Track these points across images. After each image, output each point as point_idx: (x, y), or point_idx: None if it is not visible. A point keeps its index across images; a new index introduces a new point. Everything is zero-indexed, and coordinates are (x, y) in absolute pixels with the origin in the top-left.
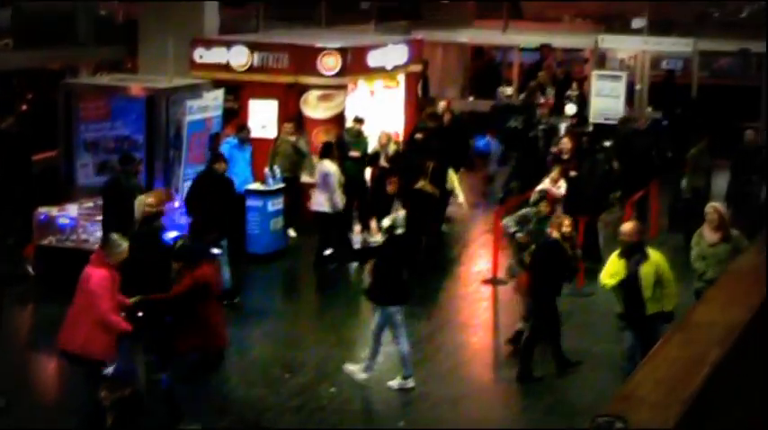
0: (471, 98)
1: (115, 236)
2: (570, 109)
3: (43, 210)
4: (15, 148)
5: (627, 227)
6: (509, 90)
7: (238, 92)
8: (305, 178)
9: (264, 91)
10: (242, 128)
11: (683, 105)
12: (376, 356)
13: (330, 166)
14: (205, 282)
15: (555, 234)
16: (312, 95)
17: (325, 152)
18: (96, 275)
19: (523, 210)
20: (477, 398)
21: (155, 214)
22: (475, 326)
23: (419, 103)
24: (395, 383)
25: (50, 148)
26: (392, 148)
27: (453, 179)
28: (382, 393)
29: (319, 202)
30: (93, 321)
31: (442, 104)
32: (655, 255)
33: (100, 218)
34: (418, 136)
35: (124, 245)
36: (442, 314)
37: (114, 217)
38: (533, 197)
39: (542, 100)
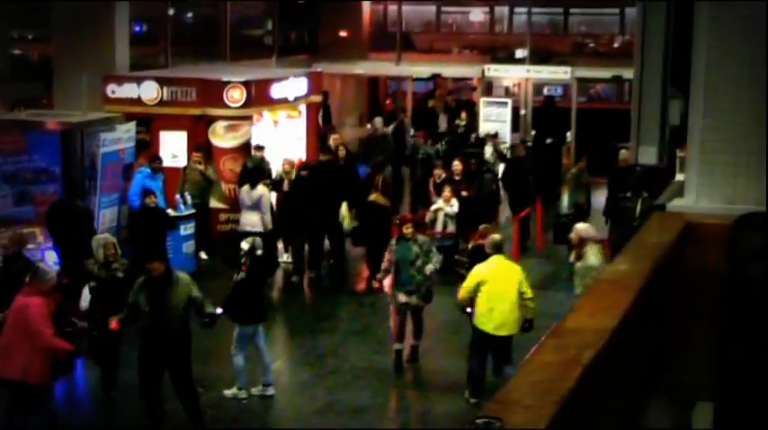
0: (369, 125)
1: (42, 265)
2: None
3: None
4: None
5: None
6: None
7: (149, 124)
8: (213, 203)
9: (174, 123)
10: (154, 158)
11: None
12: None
13: (264, 190)
14: None
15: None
16: (219, 126)
17: (254, 177)
18: (34, 304)
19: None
20: (377, 407)
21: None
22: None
23: (320, 130)
24: (256, 390)
25: None
26: (294, 174)
27: (345, 213)
28: (293, 405)
29: (252, 223)
30: (34, 348)
31: (334, 137)
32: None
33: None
34: (303, 173)
35: (52, 273)
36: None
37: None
38: (429, 216)
39: (412, 131)
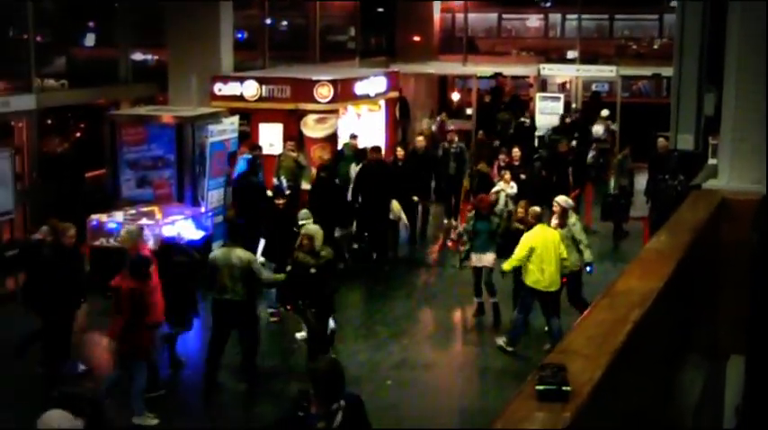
0: (439, 118)
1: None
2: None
3: (95, 218)
4: (71, 168)
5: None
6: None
7: (250, 117)
8: (304, 185)
9: (271, 116)
10: (255, 147)
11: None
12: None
13: None
14: None
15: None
16: (310, 119)
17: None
18: None
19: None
20: (447, 362)
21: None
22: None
23: (397, 123)
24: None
25: (99, 168)
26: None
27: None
28: (371, 361)
29: None
30: None
31: (418, 140)
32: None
33: (142, 221)
34: (323, 174)
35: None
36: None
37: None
38: (492, 197)
39: (451, 126)
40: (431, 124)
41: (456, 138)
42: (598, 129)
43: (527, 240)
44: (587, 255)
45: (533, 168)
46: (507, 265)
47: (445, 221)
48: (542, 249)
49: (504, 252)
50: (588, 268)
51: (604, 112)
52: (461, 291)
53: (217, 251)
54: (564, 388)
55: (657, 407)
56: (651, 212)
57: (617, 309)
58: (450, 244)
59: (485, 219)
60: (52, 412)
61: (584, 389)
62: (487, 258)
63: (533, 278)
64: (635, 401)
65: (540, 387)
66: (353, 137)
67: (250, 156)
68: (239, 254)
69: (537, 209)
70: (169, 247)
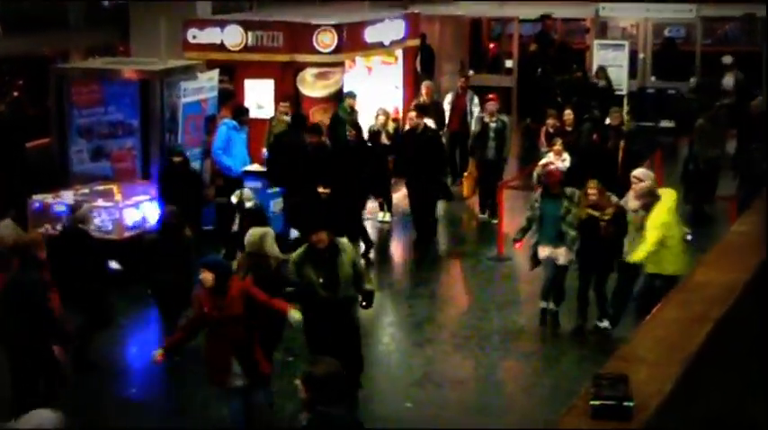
0: (471, 72)
1: None
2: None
3: (38, 198)
4: (7, 136)
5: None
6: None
7: (233, 72)
8: None
9: (260, 70)
10: (241, 110)
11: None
12: None
13: None
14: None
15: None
16: (308, 74)
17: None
18: None
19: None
20: (481, 379)
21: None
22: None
23: (418, 78)
24: None
25: (43, 136)
26: (391, 126)
27: None
28: (387, 376)
29: None
30: None
31: (426, 86)
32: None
33: (96, 204)
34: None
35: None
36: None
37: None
38: (537, 171)
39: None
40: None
41: (495, 109)
42: (728, 80)
43: (660, 220)
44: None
45: (580, 133)
46: (640, 254)
47: (480, 215)
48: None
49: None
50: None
51: (727, 59)
52: (499, 288)
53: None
54: (625, 403)
55: (741, 420)
56: (739, 190)
57: (693, 305)
58: (517, 245)
59: (554, 200)
60: (37, 411)
61: (650, 403)
62: (561, 253)
63: (677, 265)
64: (714, 417)
65: (596, 402)
66: (350, 95)
67: (234, 122)
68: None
69: (645, 184)
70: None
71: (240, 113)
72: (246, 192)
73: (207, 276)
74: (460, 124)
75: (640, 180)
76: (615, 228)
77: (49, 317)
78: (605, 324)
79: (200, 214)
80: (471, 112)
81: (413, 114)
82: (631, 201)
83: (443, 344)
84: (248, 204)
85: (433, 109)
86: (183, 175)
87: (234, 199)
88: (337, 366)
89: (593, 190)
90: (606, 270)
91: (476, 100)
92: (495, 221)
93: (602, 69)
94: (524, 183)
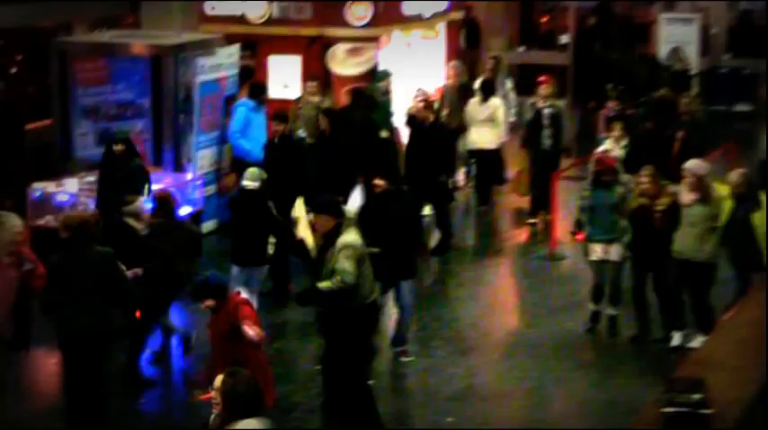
0: (522, 48)
1: (4, 212)
2: None
3: (38, 187)
4: (4, 117)
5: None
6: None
7: (255, 47)
8: None
9: (285, 46)
10: (259, 88)
11: None
12: None
13: (498, 101)
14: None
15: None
16: (340, 50)
17: (489, 89)
18: None
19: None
20: (529, 392)
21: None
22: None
23: (463, 55)
24: None
25: (44, 117)
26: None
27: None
28: (425, 389)
29: (485, 140)
30: None
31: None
32: None
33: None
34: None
35: (14, 221)
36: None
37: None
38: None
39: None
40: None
41: (549, 92)
42: None
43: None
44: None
45: (636, 118)
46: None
47: (531, 221)
48: None
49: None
50: None
51: None
52: (551, 291)
53: (353, 234)
54: (701, 410)
55: None
56: None
57: None
58: (578, 236)
59: (606, 188)
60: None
61: (729, 412)
62: (614, 247)
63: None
64: None
65: (669, 409)
66: (384, 75)
67: (252, 102)
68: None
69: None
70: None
71: (258, 92)
72: (252, 171)
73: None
74: None
75: (692, 174)
76: (669, 221)
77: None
78: (677, 340)
79: None
80: (505, 97)
81: (419, 105)
82: (684, 194)
83: (488, 352)
84: (249, 185)
85: (460, 94)
86: (123, 167)
87: (244, 182)
88: (254, 380)
89: (645, 177)
90: (662, 267)
91: (509, 83)
92: (546, 217)
93: (676, 50)
94: (580, 174)
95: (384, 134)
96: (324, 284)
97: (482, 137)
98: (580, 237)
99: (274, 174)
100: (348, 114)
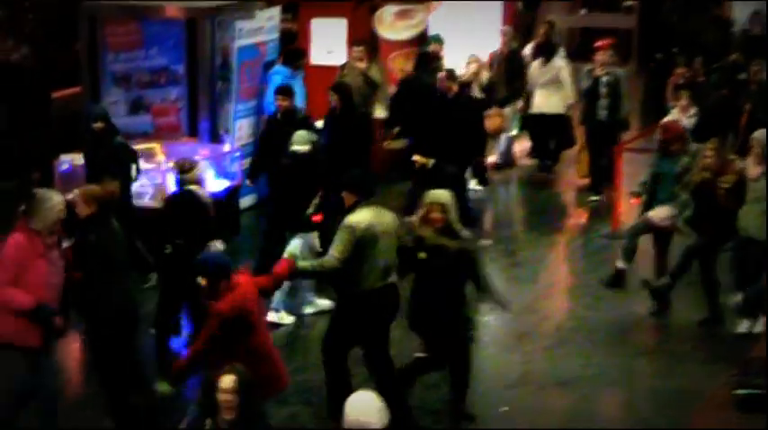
0: (584, 11)
1: (43, 190)
2: None
3: (66, 159)
4: (29, 85)
5: None
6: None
7: (297, 10)
8: (378, 113)
9: (329, 8)
10: (294, 53)
11: None
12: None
13: (563, 62)
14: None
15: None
16: (387, 12)
17: (549, 49)
18: (8, 243)
19: None
20: (590, 379)
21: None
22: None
23: (520, 18)
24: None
25: (72, 84)
26: (485, 76)
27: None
28: (477, 376)
29: (550, 104)
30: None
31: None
32: None
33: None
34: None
35: (56, 199)
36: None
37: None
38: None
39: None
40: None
41: (608, 59)
42: None
43: None
44: None
45: (707, 86)
46: None
47: (593, 198)
48: None
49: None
50: None
51: None
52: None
53: (364, 214)
54: None
55: None
56: None
57: None
58: (633, 200)
59: (672, 158)
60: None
61: None
62: (663, 213)
63: None
64: None
65: (741, 391)
66: (436, 40)
67: (287, 70)
68: (389, 214)
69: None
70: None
71: (293, 58)
72: (301, 134)
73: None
74: None
75: (760, 145)
76: (735, 199)
77: None
78: (745, 326)
79: (128, 193)
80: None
81: (443, 75)
82: (751, 168)
83: (545, 337)
84: (299, 148)
85: (507, 64)
86: (107, 147)
87: (294, 147)
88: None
89: (710, 151)
90: (719, 247)
91: (561, 51)
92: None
93: (757, 13)
94: (646, 146)
95: None
96: (303, 264)
97: (547, 101)
98: (635, 201)
99: (271, 154)
100: (416, 80)
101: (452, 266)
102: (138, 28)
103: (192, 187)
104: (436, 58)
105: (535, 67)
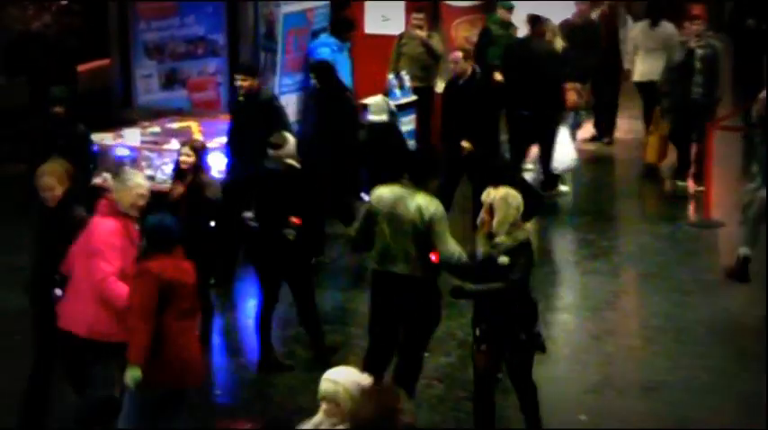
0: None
1: (128, 168)
2: None
3: (94, 139)
4: (53, 57)
5: None
6: None
7: None
8: (441, 87)
9: None
10: (343, 23)
11: None
12: None
13: (673, 28)
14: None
15: None
16: None
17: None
18: (100, 228)
19: None
20: (678, 384)
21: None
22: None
23: None
24: None
25: (101, 56)
26: (559, 44)
27: None
28: (553, 380)
29: (652, 71)
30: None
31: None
32: None
33: (169, 146)
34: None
35: (137, 180)
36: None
37: None
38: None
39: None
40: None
41: (702, 29)
42: None
43: None
44: None
45: None
46: None
47: (680, 182)
48: None
49: None
50: None
51: None
52: (705, 263)
53: (382, 190)
54: None
55: None
56: None
57: None
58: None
59: None
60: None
61: None
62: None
63: None
64: None
65: None
66: (505, 5)
67: (334, 41)
68: (421, 201)
69: None
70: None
71: (343, 27)
72: (378, 101)
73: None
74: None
75: None
76: None
77: None
78: None
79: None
80: (622, 41)
81: (458, 55)
82: None
83: (629, 337)
84: (376, 118)
85: (583, 35)
86: (65, 133)
87: (370, 116)
88: None
89: None
90: None
91: (630, 22)
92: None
93: None
94: (740, 124)
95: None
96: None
97: (653, 67)
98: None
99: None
100: (525, 47)
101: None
102: None
103: (291, 161)
104: (507, 23)
105: (640, 29)
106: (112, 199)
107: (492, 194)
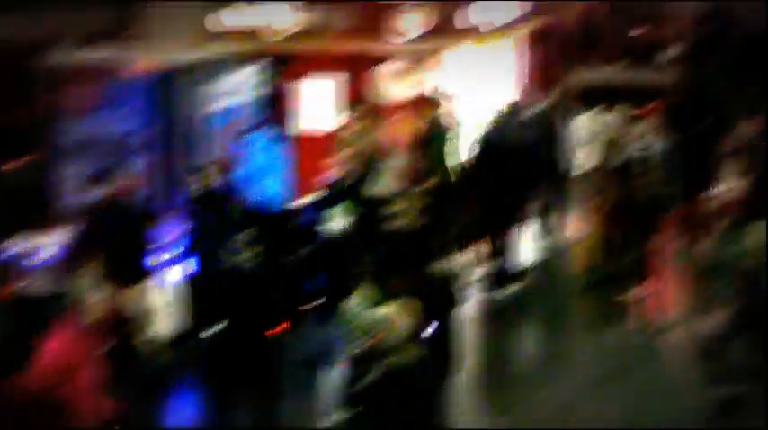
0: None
1: None
2: None
3: (16, 242)
4: None
5: None
6: None
7: (285, 66)
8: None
9: (320, 64)
10: (276, 118)
11: None
12: None
13: None
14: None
15: None
16: (388, 69)
17: None
18: None
19: None
20: None
21: None
22: None
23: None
24: None
25: (23, 154)
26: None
27: None
28: None
29: None
30: None
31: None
32: None
33: None
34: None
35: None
36: None
37: None
38: None
39: None
40: None
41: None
42: None
43: None
44: None
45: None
46: None
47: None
48: None
49: None
50: None
51: None
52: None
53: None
54: None
55: None
56: None
57: None
58: None
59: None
60: None
61: None
62: None
63: None
64: None
65: None
66: (445, 97)
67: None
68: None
69: None
70: None
71: (274, 123)
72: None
73: None
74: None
75: None
76: None
77: None
78: None
79: None
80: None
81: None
82: None
83: None
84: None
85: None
86: None
87: None
88: None
89: None
90: None
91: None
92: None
93: None
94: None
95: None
96: None
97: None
98: None
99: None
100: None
101: None
102: (99, 88)
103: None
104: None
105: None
106: None
107: None
